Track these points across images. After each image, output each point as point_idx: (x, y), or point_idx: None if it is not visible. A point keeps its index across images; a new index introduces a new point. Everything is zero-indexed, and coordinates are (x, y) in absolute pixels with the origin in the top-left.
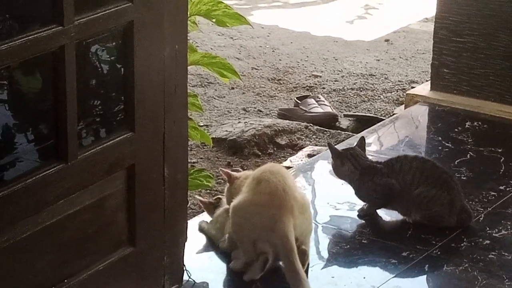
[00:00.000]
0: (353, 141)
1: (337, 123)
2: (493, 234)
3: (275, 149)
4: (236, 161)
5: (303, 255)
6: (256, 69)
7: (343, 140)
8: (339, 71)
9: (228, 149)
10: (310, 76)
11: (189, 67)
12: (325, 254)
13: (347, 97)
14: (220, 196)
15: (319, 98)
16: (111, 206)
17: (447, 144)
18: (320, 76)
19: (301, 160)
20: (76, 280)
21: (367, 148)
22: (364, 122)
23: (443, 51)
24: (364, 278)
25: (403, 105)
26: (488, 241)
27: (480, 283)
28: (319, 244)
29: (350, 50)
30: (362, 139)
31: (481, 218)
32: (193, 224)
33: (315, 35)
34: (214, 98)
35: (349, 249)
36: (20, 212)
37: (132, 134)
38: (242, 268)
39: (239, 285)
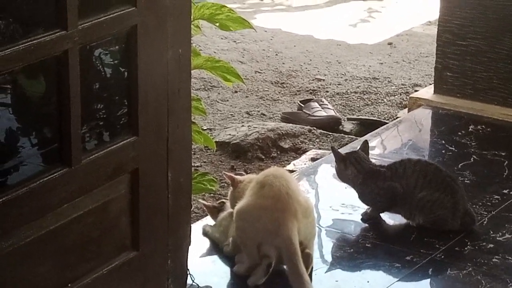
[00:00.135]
0: (356, 144)
1: (340, 126)
2: (497, 238)
3: (278, 152)
4: (240, 164)
5: (307, 259)
6: (260, 72)
7: (347, 144)
8: (343, 74)
9: (232, 153)
10: (313, 80)
11: (192, 71)
12: (329, 258)
13: (351, 101)
14: (223, 200)
15: (323, 102)
16: (115, 210)
17: (450, 148)
18: (324, 80)
19: (305, 164)
20: (79, 284)
21: (370, 152)
22: (367, 126)
23: (446, 55)
24: (368, 282)
25: (407, 109)
26: (491, 245)
27: (483, 287)
28: (322, 248)
29: (353, 53)
30: (366, 142)
31: (485, 222)
32: (196, 228)
33: (318, 38)
34: (218, 102)
35: (353, 253)
36: (24, 216)
37: (136, 138)
38: (246, 272)
39: None
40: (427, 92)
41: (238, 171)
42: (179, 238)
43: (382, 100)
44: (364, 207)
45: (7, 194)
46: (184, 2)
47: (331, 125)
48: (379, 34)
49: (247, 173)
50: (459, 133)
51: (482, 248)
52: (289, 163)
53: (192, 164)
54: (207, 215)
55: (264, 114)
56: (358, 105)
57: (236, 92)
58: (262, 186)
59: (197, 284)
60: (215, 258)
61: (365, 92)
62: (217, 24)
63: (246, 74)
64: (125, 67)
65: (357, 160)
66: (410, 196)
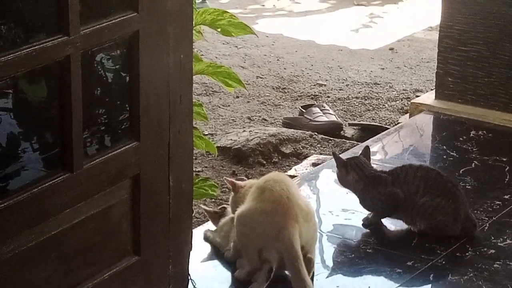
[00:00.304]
0: (357, 150)
1: (341, 132)
2: (498, 244)
3: (279, 158)
4: (241, 170)
5: (309, 264)
6: (261, 77)
7: (348, 149)
8: (344, 79)
9: (233, 158)
10: (314, 85)
11: (194, 76)
12: (330, 263)
13: (352, 106)
14: (225, 205)
15: (324, 107)
16: (116, 215)
17: (451, 153)
18: (325, 85)
19: (306, 169)
20: None
21: (371, 157)
22: (368, 131)
23: (447, 60)
24: (369, 287)
25: (408, 114)
26: (493, 251)
27: None
28: (323, 253)
29: (355, 58)
30: (367, 148)
31: (486, 227)
32: (198, 233)
33: (320, 43)
34: (219, 107)
35: (354, 258)
36: (25, 221)
37: (137, 143)
38: (247, 277)
39: None
40: (428, 97)
41: (239, 176)
42: (180, 243)
43: (383, 105)
44: (365, 213)
45: (9, 199)
46: (186, 8)
47: (333, 130)
48: (381, 39)
49: (248, 178)
50: (461, 139)
51: (483, 253)
52: (290, 168)
53: (194, 169)
54: (208, 220)
55: (265, 120)
56: (359, 111)
57: (237, 97)
58: (262, 191)
59: None
60: (216, 263)
61: (366, 98)
62: (219, 30)
63: (247, 79)
64: (126, 72)
65: (359, 166)
66: (412, 201)
